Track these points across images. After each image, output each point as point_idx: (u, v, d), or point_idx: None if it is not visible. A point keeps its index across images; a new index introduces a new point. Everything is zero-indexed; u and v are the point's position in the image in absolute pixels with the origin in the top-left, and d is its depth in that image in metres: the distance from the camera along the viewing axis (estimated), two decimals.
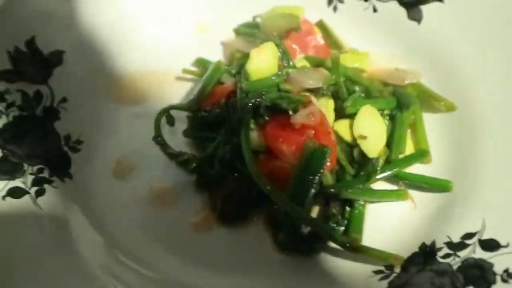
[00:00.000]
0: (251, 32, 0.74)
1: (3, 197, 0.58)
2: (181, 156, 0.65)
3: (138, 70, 0.75)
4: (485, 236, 0.54)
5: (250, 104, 0.61)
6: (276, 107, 0.61)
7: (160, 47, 0.77)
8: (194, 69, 0.76)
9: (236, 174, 0.63)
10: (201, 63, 0.75)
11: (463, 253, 0.53)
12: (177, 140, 0.68)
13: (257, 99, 0.61)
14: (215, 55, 0.78)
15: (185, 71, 0.74)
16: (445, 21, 0.72)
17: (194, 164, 0.64)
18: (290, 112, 0.60)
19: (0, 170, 0.59)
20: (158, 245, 0.62)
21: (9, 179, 0.60)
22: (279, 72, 0.65)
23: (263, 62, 0.65)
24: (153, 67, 0.75)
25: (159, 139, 0.66)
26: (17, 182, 0.60)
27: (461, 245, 0.54)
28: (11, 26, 0.68)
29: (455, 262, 0.53)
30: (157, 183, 0.66)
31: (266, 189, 0.58)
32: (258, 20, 0.78)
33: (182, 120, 0.69)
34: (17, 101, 0.65)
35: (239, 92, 0.63)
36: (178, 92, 0.74)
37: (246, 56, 0.70)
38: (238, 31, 0.77)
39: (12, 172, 0.60)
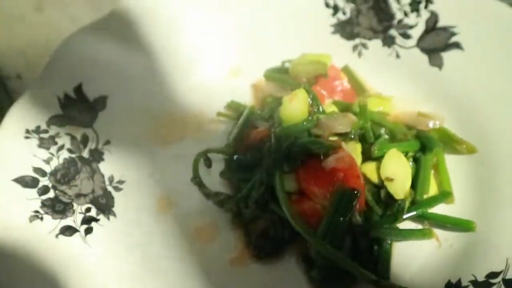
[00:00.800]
0: (282, 78, 0.79)
1: (57, 235, 0.63)
2: (217, 197, 0.69)
3: (176, 113, 0.79)
4: (509, 275, 0.57)
5: (284, 149, 0.65)
6: (308, 151, 0.65)
7: (195, 90, 0.82)
8: (227, 111, 0.80)
9: (269, 214, 0.67)
10: (234, 106, 0.80)
11: None
12: (214, 180, 0.72)
13: (290, 144, 0.66)
14: (246, 98, 0.83)
15: (219, 114, 0.79)
16: (465, 67, 0.76)
17: (230, 204, 0.68)
18: (321, 156, 0.65)
19: (53, 210, 0.64)
20: (195, 278, 0.66)
21: (61, 218, 0.64)
22: (310, 118, 0.69)
23: (295, 108, 0.69)
24: (189, 110, 0.80)
25: (197, 180, 0.70)
26: (68, 221, 0.65)
27: (486, 284, 0.57)
28: (61, 74, 0.73)
29: None
30: (195, 220, 0.70)
31: (300, 229, 0.62)
32: (287, 65, 0.82)
33: (217, 161, 0.73)
34: (66, 144, 0.70)
35: (273, 137, 0.67)
36: (213, 133, 0.78)
37: (277, 100, 0.75)
38: (268, 76, 0.81)
39: (64, 211, 0.65)
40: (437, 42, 0.78)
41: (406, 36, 0.80)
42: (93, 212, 0.67)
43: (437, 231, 0.65)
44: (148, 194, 0.72)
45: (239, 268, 0.67)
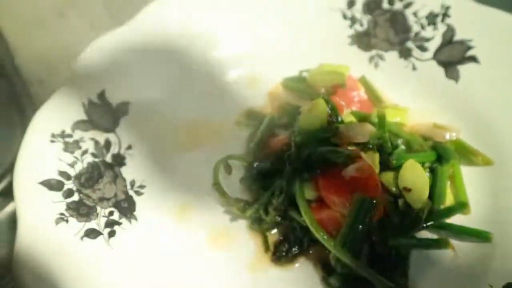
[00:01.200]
0: (301, 87, 0.80)
1: (82, 238, 0.64)
2: (237, 203, 0.70)
3: (196, 120, 0.81)
4: None
5: (304, 157, 0.67)
6: (327, 160, 0.66)
7: (215, 97, 0.83)
8: (245, 118, 0.82)
9: (288, 221, 0.68)
10: (252, 114, 0.81)
11: None
12: (234, 187, 0.74)
13: (310, 153, 0.67)
14: (263, 105, 0.84)
15: (238, 121, 0.80)
16: (481, 80, 0.77)
17: (250, 211, 0.69)
18: (341, 165, 0.66)
19: (78, 213, 0.65)
20: (213, 284, 0.67)
21: (85, 221, 0.66)
22: (329, 127, 0.70)
23: (314, 118, 0.70)
24: (209, 116, 0.82)
25: (217, 186, 0.72)
26: (93, 224, 0.66)
27: None
28: (85, 80, 0.75)
29: None
30: (214, 225, 0.72)
31: (319, 236, 0.63)
32: (305, 74, 0.84)
33: (237, 168, 0.74)
34: (90, 148, 0.71)
35: (293, 145, 0.68)
36: (232, 140, 0.79)
37: (295, 109, 0.77)
38: (286, 85, 0.83)
39: (88, 214, 0.66)
40: (453, 55, 0.80)
41: (422, 48, 0.82)
42: (115, 216, 0.68)
43: (454, 241, 0.66)
44: (168, 199, 0.74)
45: (257, 273, 0.68)
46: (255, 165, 0.71)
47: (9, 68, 0.90)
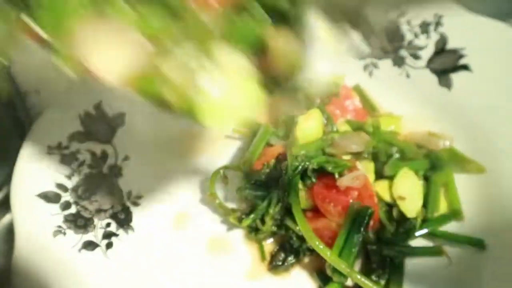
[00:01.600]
0: (297, 97, 0.80)
1: (79, 250, 0.65)
2: (234, 213, 0.71)
3: (192, 129, 0.81)
4: None
5: (300, 167, 0.67)
6: (323, 170, 0.67)
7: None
8: (242, 128, 0.82)
9: (284, 230, 0.69)
10: (248, 123, 0.82)
11: None
12: (230, 196, 0.75)
13: (306, 162, 0.68)
14: (260, 114, 0.85)
15: (235, 130, 0.81)
16: (474, 88, 0.78)
17: (246, 221, 0.70)
18: (336, 175, 0.67)
19: (75, 225, 0.66)
20: None
21: (83, 233, 0.66)
22: (324, 137, 0.71)
23: (310, 128, 0.71)
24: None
25: (213, 197, 0.72)
26: (90, 236, 0.66)
27: None
28: (82, 92, 0.75)
29: None
30: (210, 235, 0.73)
31: (315, 246, 0.64)
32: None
33: (234, 176, 0.75)
34: (86, 160, 0.72)
35: (289, 155, 0.69)
36: (229, 150, 0.80)
37: (291, 119, 0.77)
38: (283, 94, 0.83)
39: (85, 226, 0.67)
40: (446, 63, 0.80)
41: (416, 57, 0.83)
42: (113, 227, 0.69)
43: (448, 249, 0.67)
44: (165, 209, 0.74)
45: (254, 282, 0.69)
46: (251, 175, 0.72)
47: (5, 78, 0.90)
